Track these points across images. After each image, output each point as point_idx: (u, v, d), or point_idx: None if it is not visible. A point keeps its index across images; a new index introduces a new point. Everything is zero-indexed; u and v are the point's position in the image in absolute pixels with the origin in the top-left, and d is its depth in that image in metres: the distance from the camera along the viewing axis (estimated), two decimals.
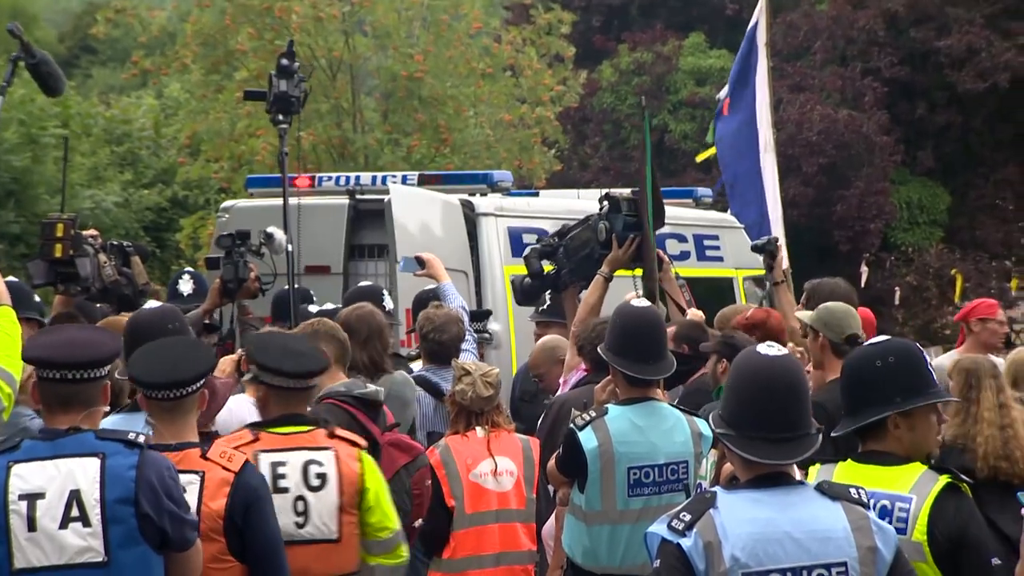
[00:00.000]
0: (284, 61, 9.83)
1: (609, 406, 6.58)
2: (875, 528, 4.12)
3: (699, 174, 26.28)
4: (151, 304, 7.02)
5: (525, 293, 9.40)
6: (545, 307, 9.75)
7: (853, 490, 4.20)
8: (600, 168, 30.76)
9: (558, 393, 8.18)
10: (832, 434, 5.04)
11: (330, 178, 12.33)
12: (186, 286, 10.35)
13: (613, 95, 31.80)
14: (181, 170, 26.15)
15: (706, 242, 13.07)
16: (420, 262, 9.37)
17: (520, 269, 9.34)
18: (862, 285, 28.08)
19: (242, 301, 9.51)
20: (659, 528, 4.13)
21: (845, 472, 4.88)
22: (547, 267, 9.38)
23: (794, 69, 30.13)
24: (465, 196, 11.31)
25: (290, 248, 9.52)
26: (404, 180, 11.86)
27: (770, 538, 4.04)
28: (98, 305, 9.41)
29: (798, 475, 4.33)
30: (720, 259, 13.14)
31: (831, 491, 4.18)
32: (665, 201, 13.40)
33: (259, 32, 22.44)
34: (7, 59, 7.72)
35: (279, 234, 9.54)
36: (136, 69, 25.35)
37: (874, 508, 4.72)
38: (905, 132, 30.61)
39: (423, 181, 11.87)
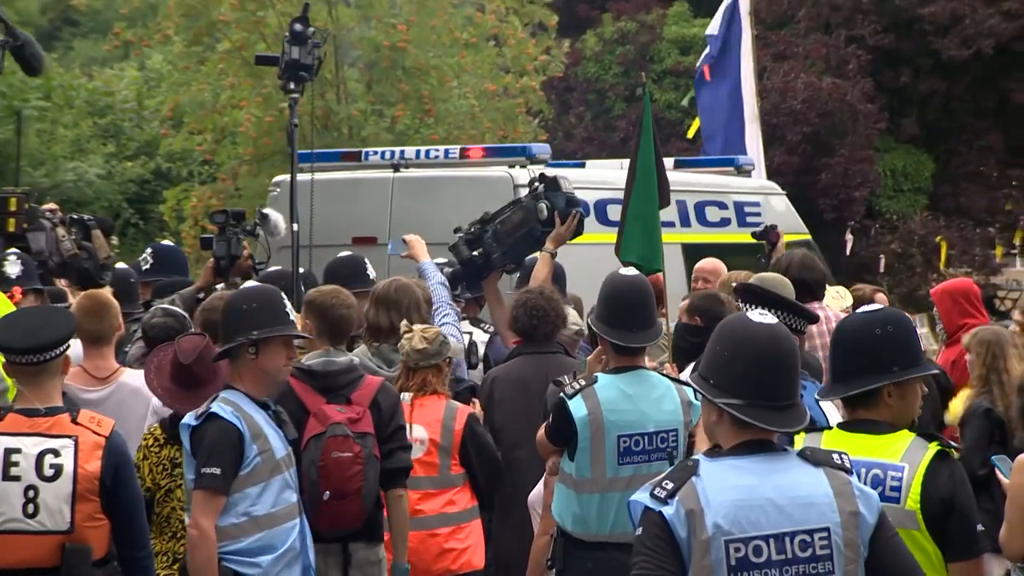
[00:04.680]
0: (297, 26, 9.47)
1: (598, 374, 6.59)
2: (858, 493, 4.12)
3: (684, 143, 26.26)
4: (250, 284, 7.06)
5: (457, 279, 9.37)
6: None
7: (836, 455, 4.20)
8: (584, 138, 30.68)
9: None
10: (816, 396, 5.04)
11: (375, 152, 12.91)
12: (146, 264, 10.40)
13: (597, 65, 31.69)
14: (164, 142, 26.04)
15: (747, 208, 13.32)
16: (406, 244, 9.41)
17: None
18: (847, 253, 28.10)
19: (235, 279, 9.47)
20: (642, 496, 4.12)
21: (833, 440, 4.88)
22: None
23: (778, 37, 30.06)
24: (506, 169, 11.65)
25: (296, 228, 9.46)
26: (447, 154, 12.37)
27: (752, 505, 4.04)
28: (62, 281, 9.35)
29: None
30: (761, 225, 13.37)
31: (814, 457, 4.17)
32: (707, 169, 13.80)
33: (241, 3, 22.31)
34: None
35: (275, 215, 9.48)
36: (118, 41, 25.19)
37: (866, 477, 4.76)
38: (889, 100, 30.58)
39: (463, 155, 12.33)
